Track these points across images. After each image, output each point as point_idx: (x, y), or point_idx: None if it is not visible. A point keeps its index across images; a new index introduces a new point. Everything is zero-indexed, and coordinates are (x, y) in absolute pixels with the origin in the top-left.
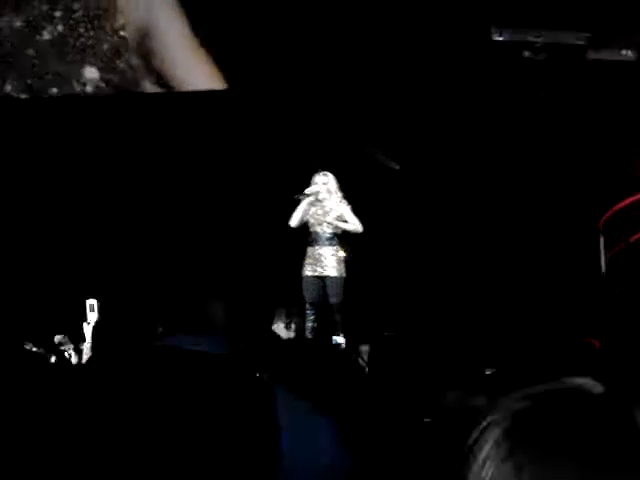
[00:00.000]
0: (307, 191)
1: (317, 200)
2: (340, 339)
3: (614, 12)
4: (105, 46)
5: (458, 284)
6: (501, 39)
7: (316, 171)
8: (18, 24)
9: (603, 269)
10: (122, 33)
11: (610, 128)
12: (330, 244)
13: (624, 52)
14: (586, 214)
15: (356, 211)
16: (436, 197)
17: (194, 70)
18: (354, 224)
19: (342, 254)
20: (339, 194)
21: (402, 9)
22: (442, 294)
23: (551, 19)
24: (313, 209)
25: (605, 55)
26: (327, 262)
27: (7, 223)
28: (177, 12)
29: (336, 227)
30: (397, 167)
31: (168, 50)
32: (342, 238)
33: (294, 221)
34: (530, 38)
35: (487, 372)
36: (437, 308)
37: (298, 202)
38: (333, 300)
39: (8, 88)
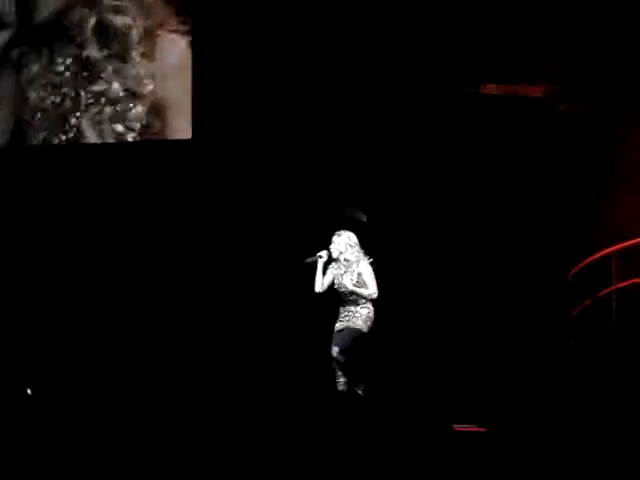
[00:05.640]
0: (319, 254)
1: (335, 260)
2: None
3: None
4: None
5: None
6: (470, 91)
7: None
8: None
9: (571, 323)
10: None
11: (581, 181)
12: (355, 302)
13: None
14: (554, 268)
15: None
16: (407, 247)
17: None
18: (369, 289)
19: (370, 311)
20: (359, 249)
21: (372, 63)
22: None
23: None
24: (335, 270)
25: (574, 108)
26: (354, 319)
27: None
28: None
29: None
30: (364, 219)
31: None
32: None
33: (317, 287)
34: (498, 91)
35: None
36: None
37: (312, 265)
38: (335, 349)
39: None
